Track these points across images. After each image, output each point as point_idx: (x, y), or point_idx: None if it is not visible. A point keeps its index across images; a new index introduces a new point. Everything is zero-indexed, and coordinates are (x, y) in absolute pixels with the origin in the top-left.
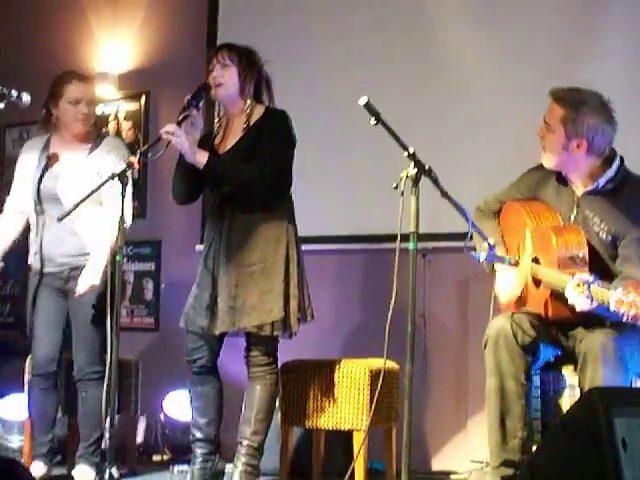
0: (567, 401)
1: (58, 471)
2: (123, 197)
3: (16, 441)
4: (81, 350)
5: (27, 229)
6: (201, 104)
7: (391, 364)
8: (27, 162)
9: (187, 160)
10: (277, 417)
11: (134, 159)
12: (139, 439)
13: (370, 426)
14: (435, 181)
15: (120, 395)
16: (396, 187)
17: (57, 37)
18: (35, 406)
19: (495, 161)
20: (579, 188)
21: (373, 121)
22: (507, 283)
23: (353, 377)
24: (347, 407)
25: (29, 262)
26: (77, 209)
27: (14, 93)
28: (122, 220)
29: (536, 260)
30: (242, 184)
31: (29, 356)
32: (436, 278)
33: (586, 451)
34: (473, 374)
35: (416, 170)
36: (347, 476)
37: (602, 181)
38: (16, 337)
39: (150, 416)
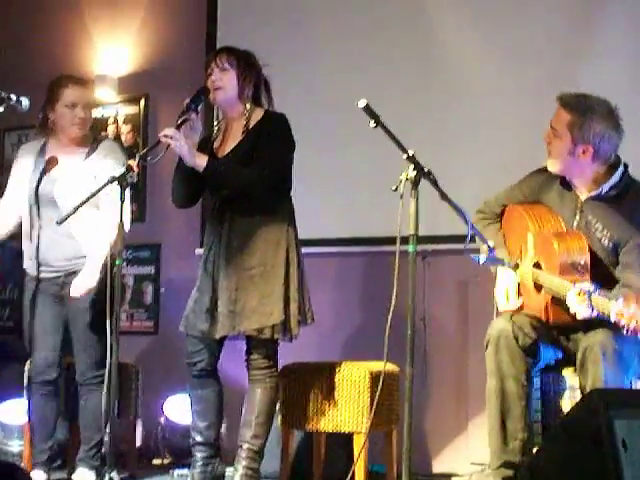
0: (567, 403)
1: (58, 475)
2: (122, 201)
3: (16, 446)
4: (82, 355)
5: (18, 233)
6: (200, 107)
7: (391, 367)
8: (23, 165)
9: (186, 164)
10: (277, 420)
11: (133, 162)
12: (137, 442)
13: (370, 429)
14: (434, 183)
15: (120, 399)
16: (395, 189)
17: (56, 40)
18: (35, 413)
19: (495, 161)
20: (583, 193)
21: (372, 124)
22: (506, 291)
23: (353, 380)
24: (347, 410)
25: (24, 267)
26: (69, 217)
27: (13, 97)
28: (122, 224)
29: (537, 265)
30: (241, 187)
31: (28, 361)
32: (436, 280)
33: (586, 452)
34: (473, 376)
35: (415, 172)
36: (348, 479)
37: (606, 187)
38: (15, 341)
39: (150, 420)
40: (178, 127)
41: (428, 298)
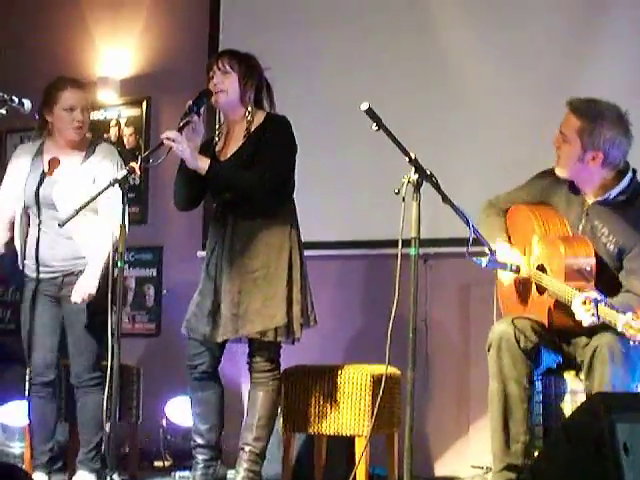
0: (569, 406)
1: (59, 477)
2: (124, 203)
3: (17, 448)
4: (78, 357)
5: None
6: (202, 110)
7: (393, 370)
8: (20, 165)
9: (188, 166)
10: (279, 423)
11: (135, 165)
12: (139, 445)
13: (372, 432)
14: (437, 186)
15: (121, 401)
16: (397, 192)
17: (58, 42)
18: (34, 415)
19: (495, 162)
20: (590, 198)
21: (374, 127)
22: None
23: (355, 383)
24: (349, 413)
25: (21, 268)
26: (71, 219)
27: (15, 99)
28: (124, 226)
29: (541, 267)
30: (243, 191)
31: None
32: (438, 283)
33: (588, 456)
34: (475, 379)
35: (417, 175)
36: None
37: (614, 192)
38: (17, 343)
39: (151, 422)
40: (180, 129)
41: (430, 301)
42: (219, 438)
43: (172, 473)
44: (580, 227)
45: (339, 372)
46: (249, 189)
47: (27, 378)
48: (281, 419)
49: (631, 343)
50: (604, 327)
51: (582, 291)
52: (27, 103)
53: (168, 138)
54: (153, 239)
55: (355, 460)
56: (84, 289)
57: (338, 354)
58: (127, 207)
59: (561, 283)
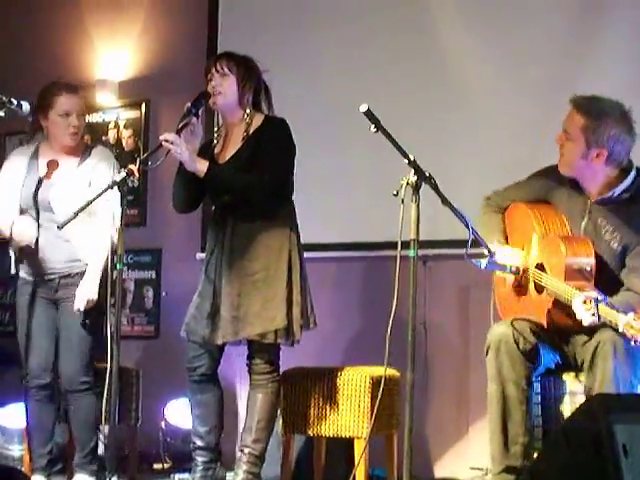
0: (568, 407)
1: (59, 479)
2: (122, 205)
3: (17, 450)
4: (70, 360)
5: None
6: (201, 112)
7: (392, 371)
8: (15, 168)
9: (187, 169)
10: (278, 425)
11: (134, 167)
12: (138, 447)
13: (371, 433)
14: (435, 188)
15: (120, 403)
16: (396, 194)
17: (57, 45)
18: (32, 418)
19: (494, 162)
20: (593, 196)
21: (373, 128)
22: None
23: (354, 385)
24: (348, 415)
25: (16, 272)
26: (70, 222)
27: (14, 101)
28: (122, 228)
29: (540, 266)
30: (242, 193)
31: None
32: (437, 285)
33: (587, 458)
34: (474, 381)
35: (416, 177)
36: None
37: (618, 190)
38: (16, 345)
39: (151, 424)
40: (179, 132)
41: (429, 303)
42: (218, 440)
43: (171, 475)
44: (582, 225)
45: (338, 374)
46: (248, 191)
47: (24, 381)
48: (280, 421)
49: (632, 343)
50: (604, 325)
51: (582, 291)
52: (26, 105)
53: (166, 140)
54: (152, 241)
55: (354, 462)
56: (85, 295)
57: (337, 356)
58: (126, 209)
59: (561, 282)
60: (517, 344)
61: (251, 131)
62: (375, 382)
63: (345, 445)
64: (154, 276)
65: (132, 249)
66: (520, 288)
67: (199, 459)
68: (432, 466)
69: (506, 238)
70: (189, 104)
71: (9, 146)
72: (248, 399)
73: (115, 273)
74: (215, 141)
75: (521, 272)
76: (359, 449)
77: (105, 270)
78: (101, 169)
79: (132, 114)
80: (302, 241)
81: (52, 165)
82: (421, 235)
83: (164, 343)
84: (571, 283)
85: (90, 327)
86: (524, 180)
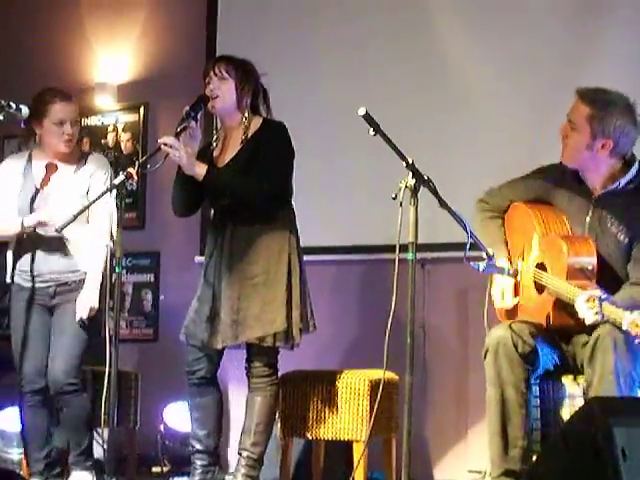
0: (567, 410)
1: None
2: (120, 209)
3: (15, 453)
4: (59, 361)
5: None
6: (200, 116)
7: (391, 374)
8: (10, 176)
9: (185, 172)
10: (277, 428)
11: (133, 170)
12: (137, 450)
13: (370, 436)
14: (434, 191)
15: (119, 407)
16: (395, 198)
17: (56, 48)
18: (26, 423)
19: (494, 164)
20: (597, 189)
21: (372, 132)
22: (502, 290)
23: (353, 388)
24: (347, 417)
25: (11, 279)
26: (69, 224)
27: (13, 105)
28: (120, 232)
29: (541, 266)
30: (241, 197)
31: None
32: (435, 288)
33: (586, 461)
34: (473, 384)
35: (415, 180)
36: None
37: (623, 181)
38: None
39: (149, 427)
40: (177, 135)
41: (428, 306)
42: (217, 444)
43: (170, 478)
44: (587, 221)
45: (337, 377)
46: (247, 195)
47: (18, 387)
48: (279, 424)
49: (637, 342)
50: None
51: (585, 289)
52: (25, 109)
53: (165, 144)
54: (150, 244)
55: (353, 465)
56: (86, 304)
57: (336, 359)
58: (124, 213)
59: (563, 281)
60: (516, 347)
61: (250, 134)
62: (374, 385)
63: (344, 448)
64: (153, 279)
65: (131, 252)
66: (519, 289)
67: (198, 462)
68: (431, 469)
69: (506, 243)
70: (188, 108)
71: (7, 149)
72: (247, 402)
73: (114, 276)
74: (214, 144)
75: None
76: (358, 452)
77: (102, 274)
78: (98, 178)
79: (131, 117)
80: (301, 244)
81: (50, 168)
82: (420, 238)
83: (163, 346)
84: (573, 282)
85: (87, 329)
86: (519, 178)
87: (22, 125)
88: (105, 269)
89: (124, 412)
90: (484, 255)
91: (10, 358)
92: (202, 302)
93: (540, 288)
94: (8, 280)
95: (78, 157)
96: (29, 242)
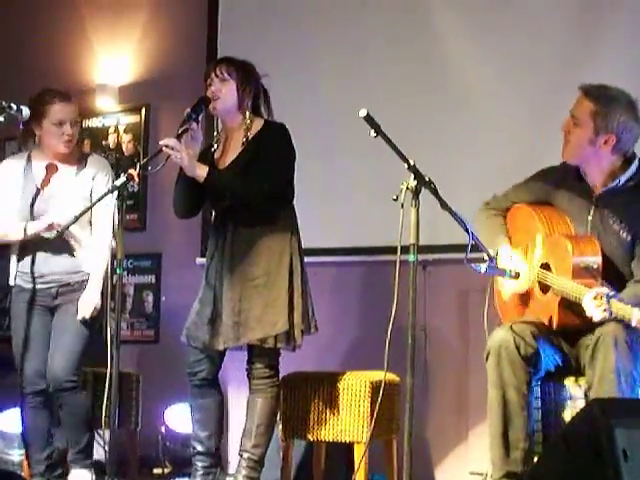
0: (568, 412)
1: None
2: (121, 211)
3: (16, 455)
4: (59, 358)
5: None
6: (201, 117)
7: (391, 376)
8: (10, 178)
9: (187, 174)
10: (278, 429)
11: (134, 172)
12: (138, 452)
13: (371, 438)
14: (435, 193)
15: (120, 408)
16: (396, 199)
17: (57, 49)
18: (28, 425)
19: (495, 166)
20: (598, 187)
21: (373, 133)
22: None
23: (354, 389)
24: (348, 419)
25: (12, 280)
26: (71, 226)
27: (13, 106)
28: (122, 232)
29: (546, 266)
30: (242, 198)
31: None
32: (436, 290)
33: (587, 462)
34: (474, 386)
35: (416, 182)
36: None
37: (623, 179)
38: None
39: (151, 429)
40: (179, 137)
41: (429, 308)
42: (219, 445)
43: None
44: (589, 218)
45: (338, 379)
46: (249, 197)
47: (19, 388)
48: (280, 426)
49: None
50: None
51: (591, 288)
52: (25, 110)
53: (166, 146)
54: (152, 246)
55: (354, 466)
56: (89, 304)
57: (337, 361)
58: (125, 214)
59: (569, 281)
60: (518, 349)
61: (251, 136)
62: (375, 387)
63: (345, 450)
64: (154, 281)
65: (132, 254)
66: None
67: (199, 464)
68: (432, 471)
69: (509, 240)
70: (189, 109)
71: (8, 151)
72: (248, 404)
73: (115, 278)
74: (215, 146)
75: (520, 288)
76: (359, 454)
77: (105, 275)
78: (101, 180)
79: (132, 119)
80: (302, 246)
81: (51, 169)
82: (421, 240)
83: (164, 348)
84: (578, 281)
85: (89, 327)
86: (522, 183)
87: (20, 126)
88: (107, 269)
89: (125, 413)
90: (485, 257)
91: (11, 360)
92: (203, 304)
93: (544, 288)
94: (11, 282)
95: (78, 158)
96: (31, 244)
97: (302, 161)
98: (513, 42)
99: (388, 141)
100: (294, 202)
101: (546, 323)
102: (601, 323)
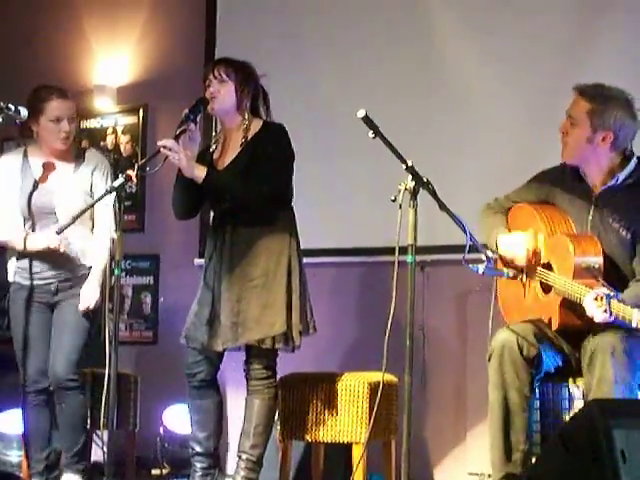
0: (567, 413)
1: None
2: (120, 211)
3: (15, 456)
4: (60, 358)
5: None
6: (199, 118)
7: (390, 377)
8: (8, 174)
9: (185, 175)
10: (276, 430)
11: (132, 173)
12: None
13: (369, 439)
14: (433, 193)
15: (119, 409)
16: (394, 200)
17: (55, 50)
18: (30, 423)
19: (494, 166)
20: (597, 186)
21: (371, 134)
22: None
23: (352, 390)
24: (346, 420)
25: (11, 277)
26: (68, 227)
27: (12, 107)
28: (121, 233)
29: (547, 265)
30: (240, 199)
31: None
32: (435, 291)
33: (585, 463)
34: (472, 387)
35: (414, 183)
36: None
37: (622, 176)
38: (14, 351)
39: (149, 430)
40: (177, 138)
41: (427, 308)
42: (217, 446)
43: None
44: (589, 218)
45: (336, 379)
46: (247, 198)
47: (21, 387)
48: (278, 426)
49: None
50: (608, 327)
51: (592, 288)
52: (23, 111)
53: (164, 147)
54: (150, 247)
55: (353, 467)
56: (89, 298)
57: (335, 361)
58: (124, 215)
59: (570, 280)
60: (521, 350)
61: (249, 137)
62: (373, 387)
63: (343, 450)
64: (152, 282)
65: (130, 255)
66: (525, 290)
67: (198, 465)
68: (430, 471)
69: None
70: (187, 110)
71: (7, 151)
72: (246, 405)
73: (113, 279)
74: (213, 147)
75: (521, 275)
76: (357, 454)
77: (103, 275)
78: (100, 173)
79: (130, 120)
80: (301, 246)
81: (48, 167)
82: (419, 241)
83: (162, 349)
84: (579, 281)
85: (90, 321)
86: (523, 185)
87: (17, 123)
88: (106, 267)
89: (124, 415)
90: (483, 257)
91: (8, 360)
92: (202, 305)
93: (546, 288)
94: (10, 279)
95: (75, 155)
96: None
97: (301, 162)
98: (513, 42)
99: (386, 142)
100: (293, 203)
101: (550, 322)
102: (600, 330)
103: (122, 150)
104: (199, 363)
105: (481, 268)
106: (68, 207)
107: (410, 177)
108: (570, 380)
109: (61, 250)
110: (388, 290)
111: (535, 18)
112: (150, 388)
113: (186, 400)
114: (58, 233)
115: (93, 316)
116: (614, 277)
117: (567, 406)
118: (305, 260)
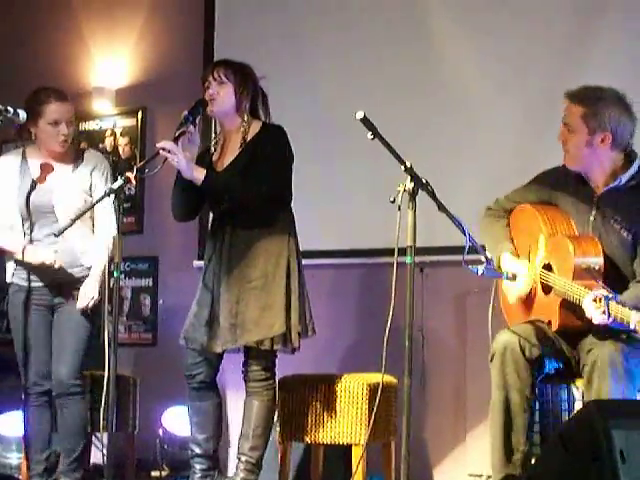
0: (566, 413)
1: None
2: (119, 212)
3: (14, 458)
4: (63, 363)
5: None
6: (198, 120)
7: (389, 378)
8: (6, 176)
9: (184, 177)
10: (275, 432)
11: (131, 175)
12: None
13: (369, 440)
14: (432, 195)
15: (118, 411)
16: (393, 201)
17: (54, 52)
18: (31, 425)
19: (493, 168)
20: (599, 187)
21: (370, 135)
22: (514, 283)
23: (351, 392)
24: (345, 421)
25: (10, 279)
26: (67, 229)
27: (10, 109)
28: (120, 235)
29: (548, 266)
30: (240, 201)
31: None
32: (434, 292)
33: (584, 463)
34: (471, 388)
35: (413, 184)
36: None
37: (625, 178)
38: (14, 353)
39: (148, 432)
40: (176, 140)
41: (426, 310)
42: (217, 448)
43: None
44: (591, 218)
45: (335, 381)
46: (246, 199)
47: (22, 388)
48: (278, 428)
49: None
50: (607, 337)
51: (591, 290)
52: (22, 113)
53: (163, 148)
54: (149, 249)
55: (352, 469)
56: (87, 296)
57: (334, 363)
58: (123, 217)
59: (569, 282)
60: (523, 351)
61: (249, 138)
62: (372, 389)
63: (343, 452)
64: (151, 284)
65: (129, 257)
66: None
67: (197, 466)
68: (430, 473)
69: (512, 241)
70: (186, 112)
71: (5, 153)
72: (244, 406)
73: (112, 281)
74: (213, 149)
75: (519, 277)
76: (357, 456)
77: (102, 277)
78: (99, 173)
79: (129, 122)
80: (300, 248)
81: (46, 168)
82: (418, 242)
83: (161, 351)
84: (579, 282)
85: (91, 321)
86: (524, 185)
87: (16, 126)
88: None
89: (123, 417)
90: (482, 259)
91: (7, 363)
92: (201, 306)
93: (547, 289)
94: (8, 279)
95: (74, 157)
96: (25, 241)
97: (300, 163)
98: (511, 43)
99: (385, 143)
100: (292, 204)
101: (550, 323)
102: (600, 337)
103: (121, 152)
104: (198, 365)
105: (480, 269)
106: (67, 205)
107: (409, 178)
108: (570, 381)
109: (56, 267)
110: (387, 291)
111: (534, 18)
112: (149, 390)
113: (185, 402)
114: (57, 235)
115: (93, 318)
116: (615, 278)
117: (567, 407)
118: (304, 261)
